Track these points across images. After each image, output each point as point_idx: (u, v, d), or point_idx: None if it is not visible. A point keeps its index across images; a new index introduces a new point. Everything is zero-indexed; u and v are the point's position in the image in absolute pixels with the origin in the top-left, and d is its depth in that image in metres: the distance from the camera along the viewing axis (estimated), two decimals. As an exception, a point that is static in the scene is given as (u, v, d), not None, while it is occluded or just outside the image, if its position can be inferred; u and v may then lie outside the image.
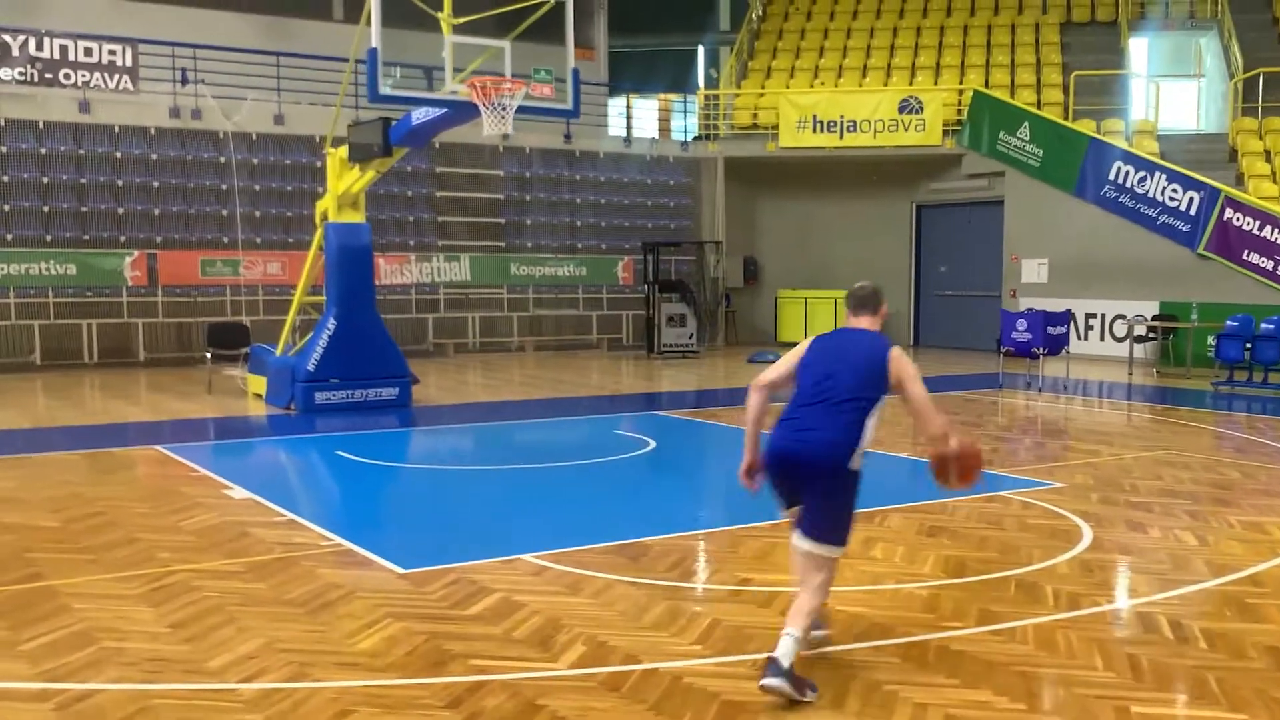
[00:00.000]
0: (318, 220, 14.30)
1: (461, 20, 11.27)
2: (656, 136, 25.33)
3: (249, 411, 13.68)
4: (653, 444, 10.96)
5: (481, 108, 10.99)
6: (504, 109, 11.07)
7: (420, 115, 12.04)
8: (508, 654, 5.06)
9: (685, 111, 26.06)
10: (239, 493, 8.66)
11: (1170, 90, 23.55)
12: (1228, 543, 6.91)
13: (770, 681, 4.41)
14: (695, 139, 24.81)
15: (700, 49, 34.96)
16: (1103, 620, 5.44)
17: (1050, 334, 15.03)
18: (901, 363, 4.88)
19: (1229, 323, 15.51)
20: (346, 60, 19.85)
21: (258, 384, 14.54)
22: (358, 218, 13.86)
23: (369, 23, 11.46)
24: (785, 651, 4.47)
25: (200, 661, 4.97)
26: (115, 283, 18.44)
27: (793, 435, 4.89)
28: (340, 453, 10.62)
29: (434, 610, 5.68)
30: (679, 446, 11.39)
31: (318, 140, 20.09)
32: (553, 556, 6.66)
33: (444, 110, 11.63)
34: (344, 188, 13.64)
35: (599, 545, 6.93)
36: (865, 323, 5.16)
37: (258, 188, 19.66)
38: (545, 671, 4.85)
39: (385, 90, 10.93)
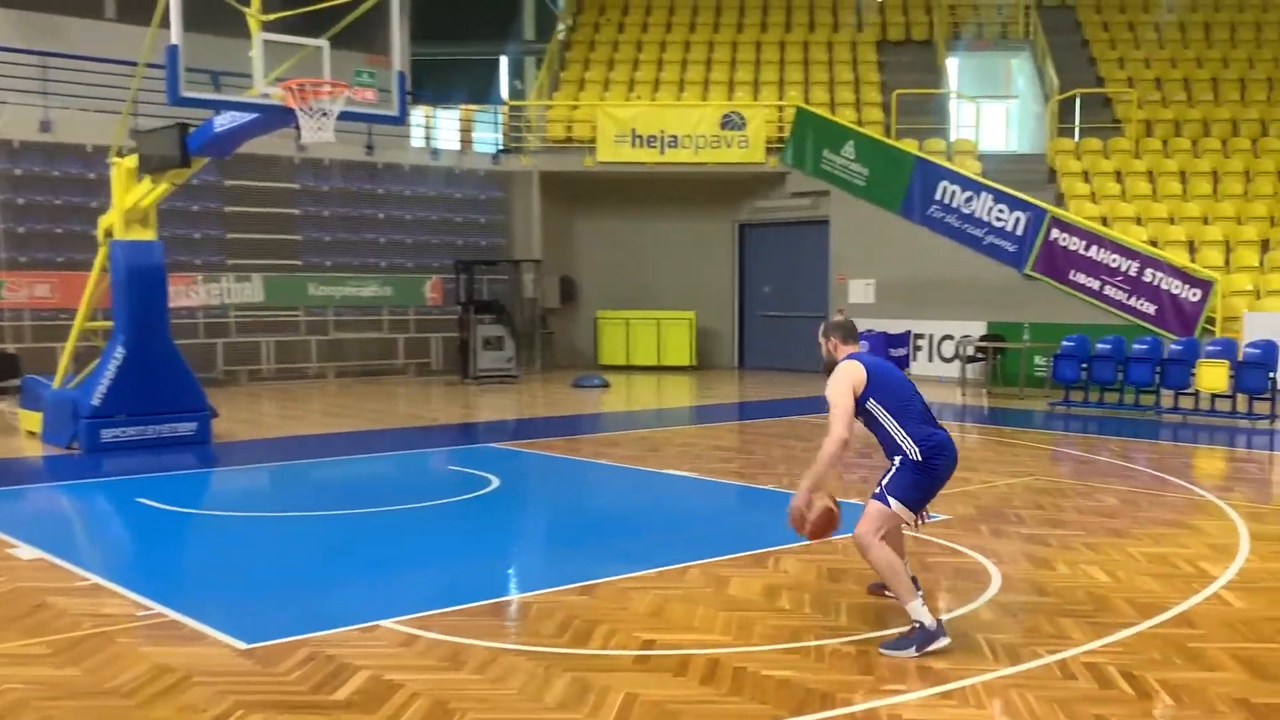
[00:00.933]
0: (101, 237, 13.13)
1: (271, 17, 10.43)
2: (459, 149, 24.58)
3: (23, 452, 12.40)
4: (495, 481, 10.33)
5: (299, 112, 10.19)
6: (324, 114, 10.30)
7: (225, 121, 11.14)
8: (396, 749, 4.42)
9: (496, 123, 25.38)
10: (26, 552, 7.65)
11: (982, 110, 24.34)
12: (1140, 578, 6.81)
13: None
14: (502, 152, 24.21)
15: (503, 59, 34.46)
16: (1052, 675, 5.16)
17: (891, 356, 15.09)
18: None
19: (1064, 343, 15.92)
20: (121, 62, 18.79)
21: (31, 420, 13.25)
22: (148, 235, 12.77)
23: (164, 18, 10.54)
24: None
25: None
26: None
27: (949, 440, 5.81)
28: (142, 500, 9.61)
29: (293, 696, 4.97)
30: (524, 483, 10.80)
31: (90, 150, 18.70)
32: (418, 621, 6.01)
33: (254, 115, 10.76)
34: (132, 202, 12.55)
35: (470, 606, 6.31)
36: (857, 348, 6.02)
37: (21, 201, 18.06)
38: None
39: (188, 93, 9.99)
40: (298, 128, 10.37)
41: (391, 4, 10.72)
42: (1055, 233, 18.22)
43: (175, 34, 9.84)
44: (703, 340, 23.81)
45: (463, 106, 32.33)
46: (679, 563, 7.12)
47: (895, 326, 19.21)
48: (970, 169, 20.40)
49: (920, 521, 5.87)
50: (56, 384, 13.03)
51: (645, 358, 23.43)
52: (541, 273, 23.22)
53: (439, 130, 25.90)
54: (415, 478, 11.37)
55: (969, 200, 19.46)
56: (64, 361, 13.20)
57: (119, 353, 12.30)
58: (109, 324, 12.85)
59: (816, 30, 26.70)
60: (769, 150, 22.77)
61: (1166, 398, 14.90)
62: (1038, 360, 17.94)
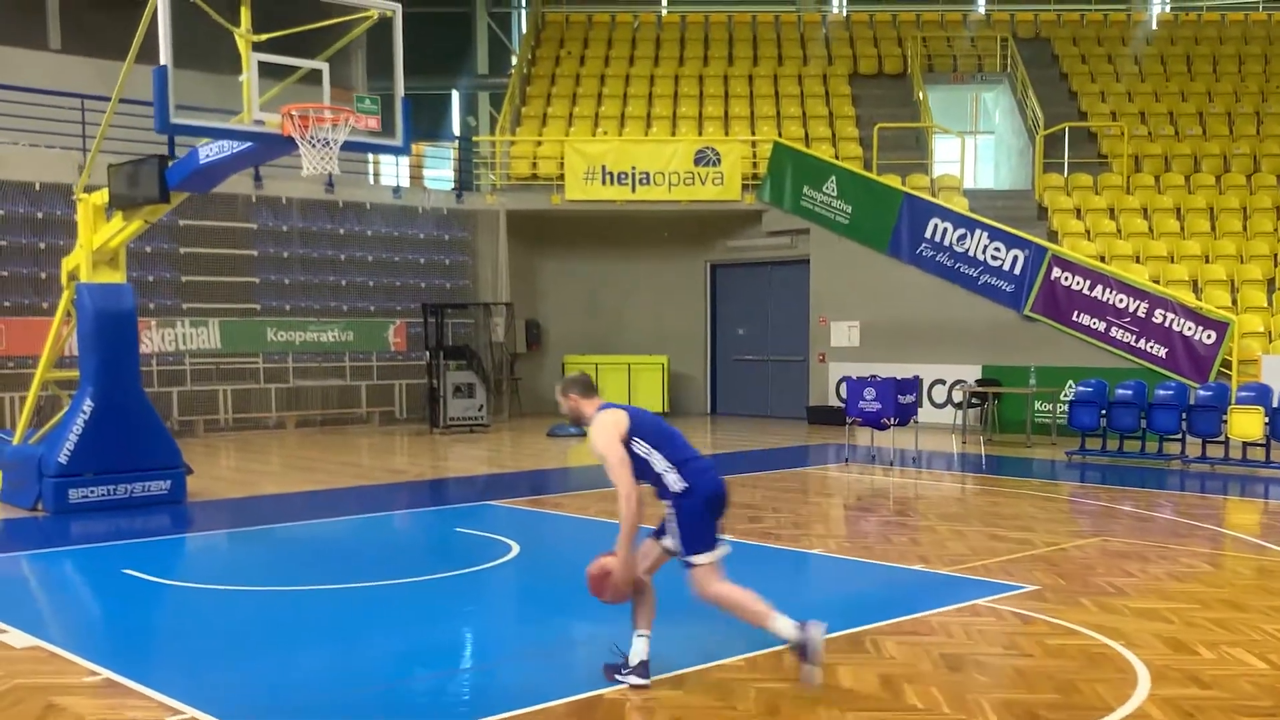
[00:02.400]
0: (64, 280, 12.30)
1: (263, 38, 9.76)
2: (406, 186, 23.79)
3: (-18, 517, 11.49)
4: (514, 545, 9.64)
5: (300, 142, 9.51)
6: (327, 144, 9.63)
7: (212, 152, 10.42)
8: None
9: (463, 160, 24.69)
10: (19, 638, 6.86)
11: (954, 146, 24.18)
12: (1299, 662, 6.28)
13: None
14: (463, 190, 23.50)
15: (455, 94, 33.87)
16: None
17: (901, 403, 14.64)
18: None
19: (1080, 388, 15.56)
20: (72, 95, 17.95)
21: (-13, 480, 12.31)
22: (118, 277, 11.99)
23: (140, 48, 9.86)
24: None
25: None
26: None
27: (715, 475, 5.92)
28: (129, 571, 8.79)
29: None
30: (545, 549, 10.00)
31: (38, 187, 17.82)
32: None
33: (245, 145, 10.07)
34: (100, 241, 11.77)
35: (550, 706, 5.62)
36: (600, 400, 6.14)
37: (-34, 242, 17.12)
38: None
39: (178, 119, 9.26)
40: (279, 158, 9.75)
41: (394, 23, 10.10)
42: (1056, 271, 17.93)
43: (165, 54, 9.11)
44: (674, 385, 23.25)
45: (414, 143, 31.70)
46: (764, 648, 6.44)
47: (884, 370, 18.68)
48: (958, 206, 20.11)
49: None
50: (17, 439, 12.14)
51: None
52: (511, 316, 22.56)
53: (390, 167, 25.17)
54: (424, 542, 10.65)
55: (962, 238, 19.14)
56: (25, 414, 12.32)
57: (87, 405, 11.47)
58: (74, 373, 12.03)
59: (785, 63, 26.47)
60: (745, 187, 22.36)
61: (1192, 446, 14.57)
62: (1041, 406, 17.60)
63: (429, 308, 20.80)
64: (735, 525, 10.42)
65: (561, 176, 22.70)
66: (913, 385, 15.21)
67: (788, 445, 17.88)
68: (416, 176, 24.68)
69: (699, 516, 5.75)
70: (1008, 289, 18.56)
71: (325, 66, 9.87)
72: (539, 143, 23.94)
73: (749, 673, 6.11)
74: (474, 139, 27.07)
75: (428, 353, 20.51)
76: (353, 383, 21.33)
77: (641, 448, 5.84)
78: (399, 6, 10.12)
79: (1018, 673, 6.09)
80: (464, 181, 23.69)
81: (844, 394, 20.02)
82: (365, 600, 7.95)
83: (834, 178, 20.98)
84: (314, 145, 9.54)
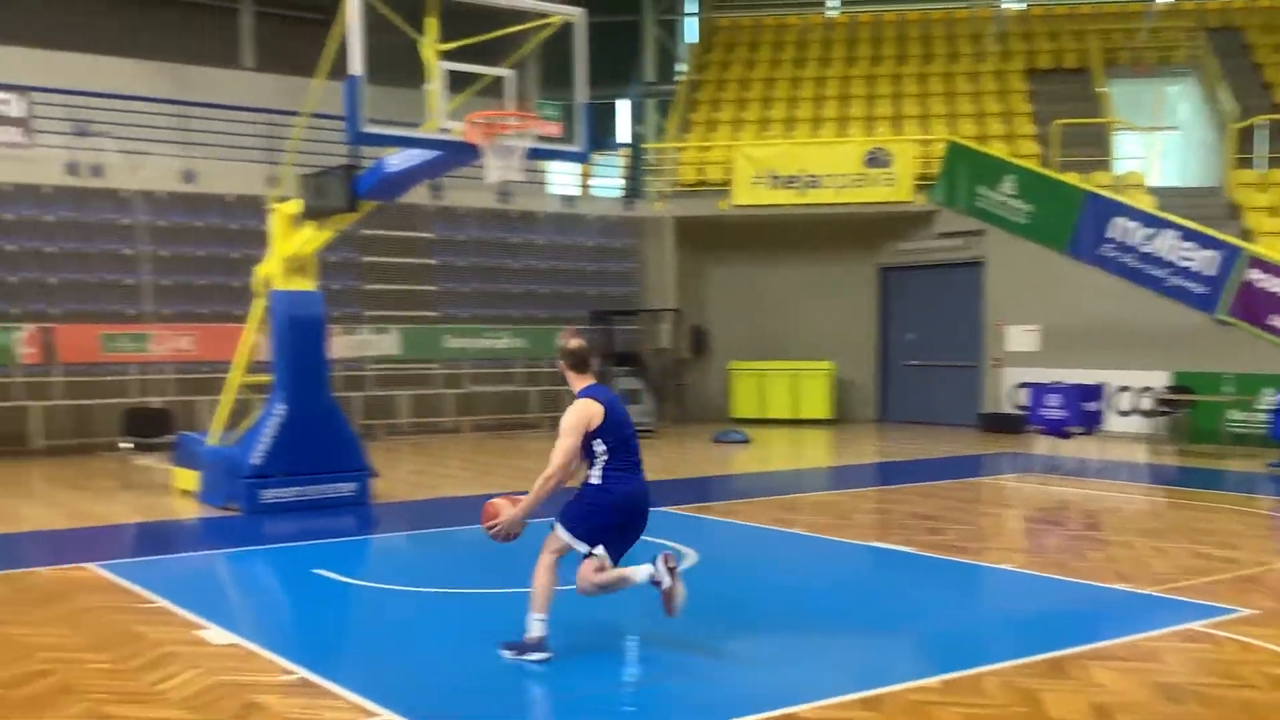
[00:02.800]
0: (257, 288, 12.70)
1: (450, 46, 9.88)
2: (576, 195, 23.94)
3: (182, 513, 11.97)
4: (691, 553, 9.52)
5: (485, 150, 9.59)
6: (510, 151, 9.70)
7: (399, 161, 10.61)
8: None
9: (631, 167, 24.80)
10: (216, 634, 7.04)
11: (1137, 142, 23.19)
12: None
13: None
14: (624, 197, 23.54)
15: (621, 102, 34.03)
16: None
17: (1085, 410, 14.07)
18: None
19: (1280, 396, 14.75)
20: (259, 110, 18.65)
21: (186, 479, 12.82)
22: (308, 285, 12.32)
23: (333, 64, 10.09)
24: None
25: None
26: (6, 361, 16.48)
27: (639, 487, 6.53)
28: (319, 571, 8.99)
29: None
30: (723, 558, 9.64)
31: (232, 200, 18.54)
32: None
33: (433, 154, 10.22)
34: (293, 250, 12.11)
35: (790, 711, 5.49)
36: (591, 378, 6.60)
37: (165, 253, 17.89)
38: None
39: (369, 129, 9.45)
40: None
41: (576, 28, 10.12)
42: (1253, 273, 16.98)
43: (356, 64, 9.29)
44: (841, 391, 22.86)
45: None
46: (961, 668, 6.19)
47: (1065, 376, 17.92)
48: (1143, 204, 19.27)
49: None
50: (213, 441, 12.59)
51: (780, 410, 22.53)
52: (678, 322, 22.53)
53: (559, 177, 25.44)
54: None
55: (1149, 238, 18.32)
56: (220, 417, 12.77)
57: (279, 409, 11.82)
58: (266, 378, 12.42)
59: (958, 61, 25.84)
60: (917, 188, 21.86)
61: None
62: (1235, 415, 16.71)
63: (597, 314, 20.91)
64: (916, 537, 10.16)
65: (729, 182, 22.57)
66: (1098, 392, 14.62)
67: (961, 454, 17.38)
68: (584, 185, 24.90)
69: (605, 513, 6.40)
70: (1199, 291, 17.66)
71: (509, 74, 9.94)
72: (707, 148, 23.86)
73: (946, 695, 5.85)
74: (642, 146, 27.12)
75: (596, 359, 20.58)
76: (523, 389, 21.57)
77: (600, 447, 6.38)
78: (582, 11, 10.14)
79: (1245, 707, 5.67)
80: (632, 189, 23.77)
81: (1023, 401, 19.41)
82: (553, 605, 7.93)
83: (1012, 176, 20.34)
84: (498, 153, 9.61)
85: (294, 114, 17.93)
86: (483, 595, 8.23)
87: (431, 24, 9.76)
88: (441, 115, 9.56)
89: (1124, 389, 18.68)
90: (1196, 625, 7.09)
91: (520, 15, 10.21)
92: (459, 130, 9.66)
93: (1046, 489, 13.48)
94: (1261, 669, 6.21)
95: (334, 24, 9.79)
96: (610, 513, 6.39)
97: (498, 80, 10.18)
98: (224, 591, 8.96)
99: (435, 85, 9.68)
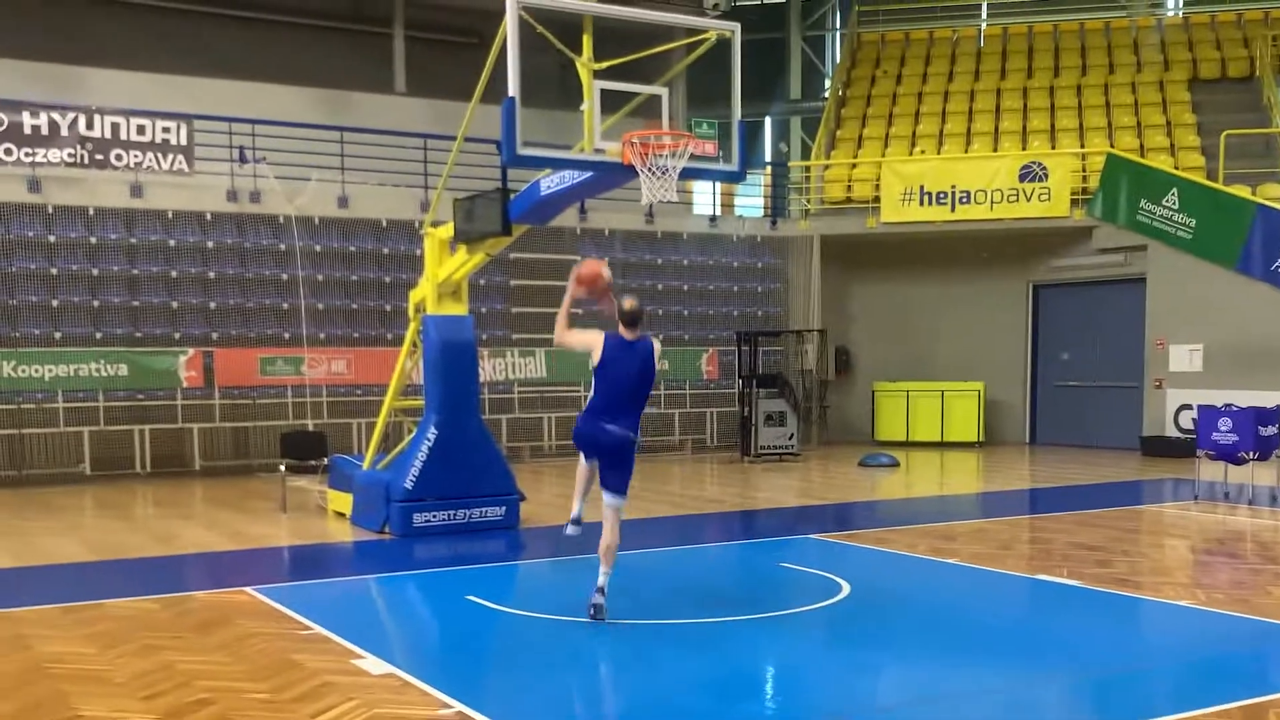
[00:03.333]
0: (411, 312, 12.86)
1: (604, 65, 9.81)
2: (719, 215, 23.74)
3: (336, 536, 12.12)
4: (844, 585, 9.25)
5: (641, 170, 9.48)
6: (665, 171, 9.57)
7: (553, 183, 10.58)
8: None
9: (775, 186, 24.49)
10: (374, 664, 7.04)
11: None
12: None
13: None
14: (765, 217, 23.24)
15: (767, 120, 33.81)
16: None
17: (1261, 435, 13.35)
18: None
19: None
20: (412, 135, 18.97)
21: (340, 501, 13.02)
22: (460, 309, 12.42)
23: (485, 89, 10.14)
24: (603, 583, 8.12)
25: None
26: (169, 384, 17.06)
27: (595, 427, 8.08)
28: (471, 598, 8.99)
29: None
30: (879, 590, 9.32)
31: (384, 224, 18.88)
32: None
33: (587, 175, 10.16)
34: (446, 274, 12.22)
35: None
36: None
37: (321, 277, 18.29)
38: None
39: (525, 151, 9.42)
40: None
41: (732, 45, 9.97)
42: None
43: (513, 84, 9.24)
44: (990, 413, 22.21)
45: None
46: (1166, 714, 5.82)
47: (1230, 397, 16.94)
48: (1318, 219, 18.30)
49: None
50: (366, 464, 12.76)
51: (927, 433, 22.03)
52: (823, 343, 22.19)
53: (703, 197, 25.31)
54: (748, 576, 10.43)
55: (1325, 254, 17.41)
56: (375, 441, 12.95)
57: (432, 433, 11.91)
58: (418, 402, 12.56)
59: (1116, 71, 24.97)
60: (1073, 203, 21.14)
61: None
62: None
63: (742, 335, 20.72)
64: (1083, 569, 9.72)
65: (877, 199, 22.18)
66: (1275, 415, 13.85)
67: (1122, 479, 16.70)
68: (728, 205, 24.72)
69: (579, 439, 8.18)
70: (1379, 309, 16.70)
71: (665, 92, 9.84)
72: (854, 164, 23.49)
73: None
74: (788, 164, 26.86)
75: (740, 380, 20.40)
76: (667, 410, 21.47)
77: (593, 382, 8.12)
78: (738, 26, 9.99)
79: None
80: (777, 208, 23.52)
81: (1187, 424, 18.57)
82: (704, 638, 7.78)
83: (1175, 190, 19.51)
84: (654, 173, 9.50)
85: (445, 137, 18.28)
86: (631, 626, 8.09)
87: (586, 41, 9.71)
88: (596, 135, 9.49)
89: (1298, 412, 17.71)
90: None
91: (672, 32, 10.13)
92: (614, 151, 9.58)
93: (1218, 518, 12.81)
94: None
95: (484, 47, 9.83)
96: (575, 437, 8.21)
97: (648, 100, 10.11)
98: (379, 618, 9.01)
99: (590, 105, 9.61)
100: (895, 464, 18.67)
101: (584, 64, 9.65)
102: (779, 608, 8.74)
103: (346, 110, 20.41)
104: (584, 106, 9.69)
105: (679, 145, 9.40)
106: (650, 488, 16.17)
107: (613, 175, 9.94)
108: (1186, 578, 9.66)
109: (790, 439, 19.71)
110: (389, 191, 18.93)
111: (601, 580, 8.11)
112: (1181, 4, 27.98)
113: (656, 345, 8.33)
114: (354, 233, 18.71)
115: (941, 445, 21.70)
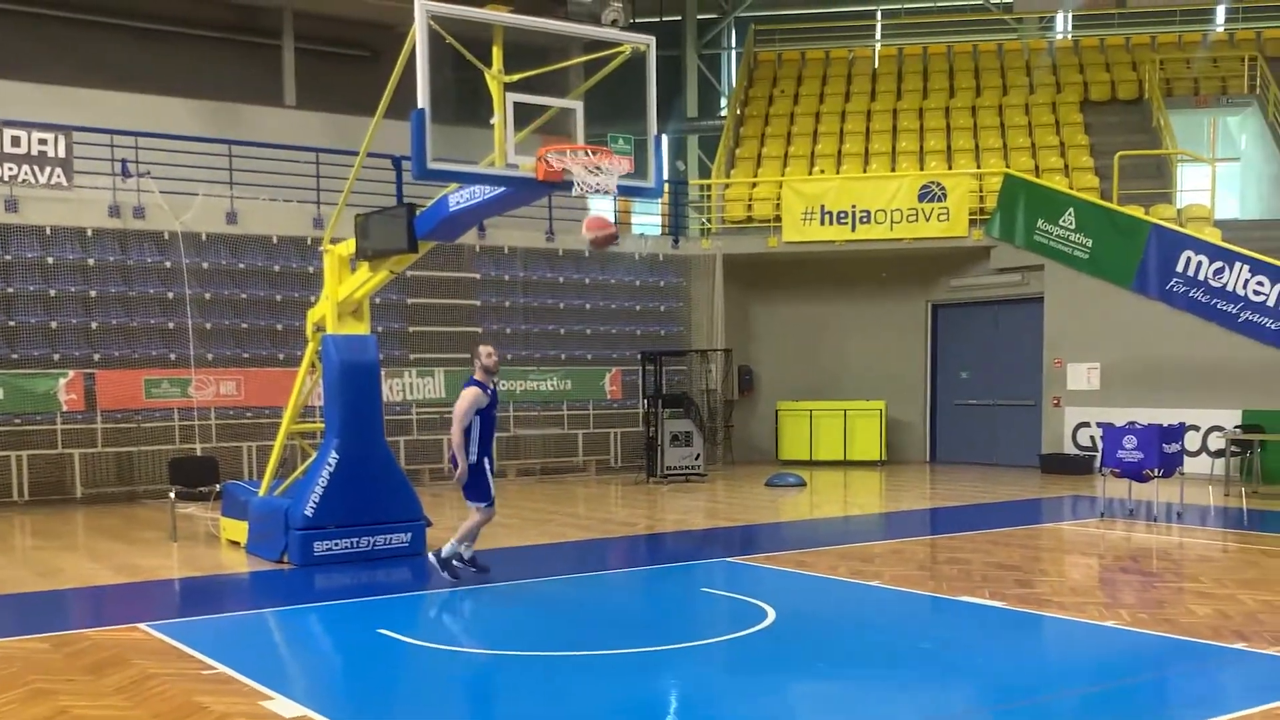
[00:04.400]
0: (310, 332, 12.44)
1: (516, 78, 9.57)
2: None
3: (232, 567, 11.63)
4: (769, 610, 9.08)
5: (569, 172, 9.26)
6: (583, 186, 9.38)
7: (462, 199, 10.31)
8: None
9: (674, 205, 24.43)
10: (285, 706, 6.66)
11: (1197, 174, 22.75)
12: None
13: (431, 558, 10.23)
14: (667, 235, 23.18)
15: (664, 139, 33.80)
16: None
17: (1166, 452, 13.58)
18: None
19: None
20: (304, 149, 18.46)
21: (235, 530, 12.51)
22: (362, 328, 12.06)
23: (389, 102, 9.83)
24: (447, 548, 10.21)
25: None
26: (48, 408, 16.29)
27: None
28: (384, 631, 8.62)
29: None
30: (806, 615, 9.17)
31: (275, 241, 18.34)
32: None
33: (496, 191, 9.91)
34: (346, 292, 11.83)
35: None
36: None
37: (208, 295, 17.67)
38: None
39: (436, 165, 9.12)
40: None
41: (647, 60, 9.83)
42: (1331, 308, 16.54)
43: (422, 97, 8.96)
44: (892, 431, 22.40)
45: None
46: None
47: (1127, 415, 17.31)
48: (1210, 237, 18.82)
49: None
50: (263, 491, 12.28)
51: (830, 452, 22.14)
52: (727, 362, 22.17)
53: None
54: (671, 603, 10.21)
55: (1219, 272, 17.86)
56: (271, 465, 12.47)
57: (332, 457, 11.49)
58: (316, 425, 12.13)
59: (1010, 93, 25.49)
60: (971, 223, 21.46)
61: None
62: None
63: (647, 355, 20.58)
64: (1005, 590, 9.72)
65: (778, 218, 22.25)
66: (1178, 433, 14.12)
67: (1026, 497, 16.89)
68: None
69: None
70: (1273, 326, 17.20)
71: (578, 106, 9.64)
72: (754, 184, 23.56)
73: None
74: (689, 182, 26.85)
75: (645, 401, 20.25)
76: (570, 431, 21.22)
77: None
78: (653, 39, 9.86)
79: None
80: (677, 226, 23.47)
81: (1085, 441, 18.92)
82: (632, 669, 7.55)
83: (1072, 210, 19.92)
84: (585, 180, 9.29)
85: (339, 152, 17.84)
86: (561, 659, 7.82)
87: (496, 53, 9.46)
88: (510, 150, 9.24)
89: (1192, 428, 18.15)
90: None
91: (586, 46, 9.96)
92: (528, 166, 9.35)
93: (1126, 535, 12.97)
94: None
95: (376, 60, 9.55)
96: (486, 489, 10.32)
97: (553, 118, 9.90)
98: (286, 655, 8.59)
99: (501, 119, 9.36)
100: (802, 484, 18.67)
101: (495, 76, 9.42)
102: (706, 636, 8.55)
103: (235, 123, 19.82)
104: (495, 120, 9.45)
105: (596, 160, 9.21)
106: (558, 510, 15.90)
107: (526, 190, 9.72)
108: (1108, 597, 9.70)
109: (696, 459, 19.60)
110: (280, 207, 18.40)
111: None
112: (1071, 27, 28.72)
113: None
114: (243, 249, 18.12)
115: (845, 464, 21.79)
